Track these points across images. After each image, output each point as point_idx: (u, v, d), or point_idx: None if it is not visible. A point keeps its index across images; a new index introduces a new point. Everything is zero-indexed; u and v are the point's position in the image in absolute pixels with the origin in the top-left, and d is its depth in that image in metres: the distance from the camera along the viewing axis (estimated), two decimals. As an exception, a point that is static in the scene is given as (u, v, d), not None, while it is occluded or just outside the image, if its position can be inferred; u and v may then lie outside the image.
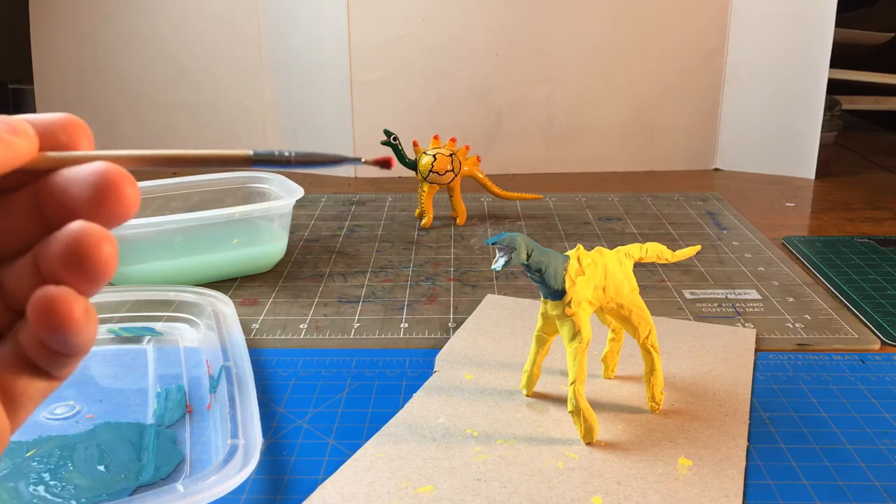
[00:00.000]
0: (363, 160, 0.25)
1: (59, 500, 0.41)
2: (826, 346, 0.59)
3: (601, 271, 0.46)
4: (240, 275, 0.72)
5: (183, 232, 0.68)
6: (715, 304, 0.66)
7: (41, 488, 0.42)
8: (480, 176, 0.89)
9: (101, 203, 0.22)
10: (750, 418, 0.48)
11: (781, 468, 0.44)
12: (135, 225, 0.67)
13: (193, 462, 0.44)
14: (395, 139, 0.86)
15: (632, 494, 0.41)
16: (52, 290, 0.21)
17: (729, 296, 0.68)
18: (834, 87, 1.09)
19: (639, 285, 0.49)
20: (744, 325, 0.62)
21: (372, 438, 0.46)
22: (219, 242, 0.70)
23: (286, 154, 0.24)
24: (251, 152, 0.24)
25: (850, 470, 0.44)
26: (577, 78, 1.09)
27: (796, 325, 0.62)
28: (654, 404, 0.49)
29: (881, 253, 0.78)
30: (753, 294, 0.68)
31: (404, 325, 0.63)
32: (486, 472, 0.43)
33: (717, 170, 1.13)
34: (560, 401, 0.50)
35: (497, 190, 0.90)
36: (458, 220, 0.88)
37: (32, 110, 1.16)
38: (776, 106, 1.07)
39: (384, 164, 0.26)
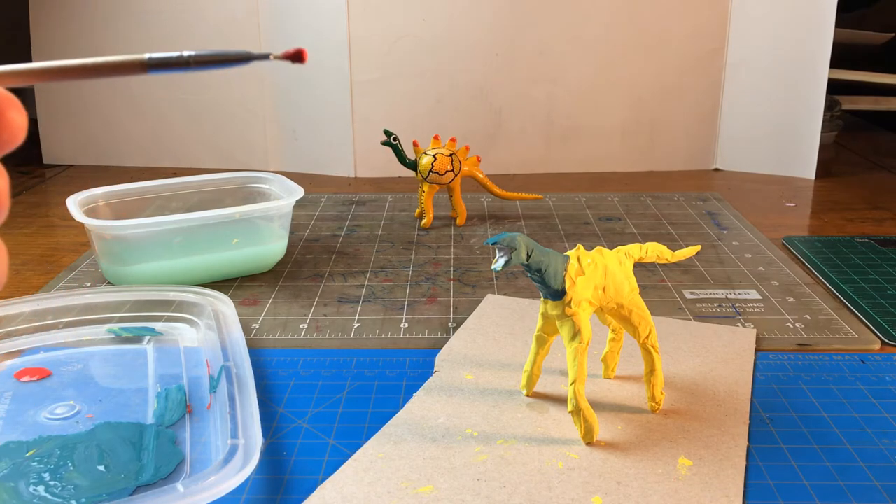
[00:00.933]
0: (272, 56, 0.24)
1: (60, 500, 0.41)
2: (826, 346, 0.59)
3: (601, 271, 0.46)
4: (240, 275, 0.72)
5: (183, 232, 0.68)
6: (715, 304, 0.66)
7: (41, 488, 0.42)
8: (480, 176, 0.89)
9: None
10: (750, 418, 0.48)
11: (781, 468, 0.44)
12: (135, 225, 0.67)
13: (193, 462, 0.44)
14: (395, 139, 0.86)
15: (632, 494, 0.41)
16: None
17: (729, 296, 0.68)
18: (834, 87, 1.09)
19: (639, 285, 0.49)
20: (744, 325, 0.62)
21: (372, 438, 0.46)
22: (219, 242, 0.70)
23: (184, 56, 0.23)
24: (146, 57, 0.23)
25: (851, 470, 0.44)
26: (577, 78, 1.09)
27: (796, 325, 0.62)
28: (654, 404, 0.49)
29: (881, 253, 0.78)
30: (753, 294, 0.68)
31: (404, 325, 0.63)
32: (486, 472, 0.43)
33: (717, 170, 1.13)
34: (560, 401, 0.50)
35: (497, 190, 0.90)
36: (458, 221, 0.88)
37: (33, 110, 1.16)
38: (776, 106, 1.07)
39: (295, 57, 0.25)
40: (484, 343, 0.58)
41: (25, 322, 0.60)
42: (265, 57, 0.24)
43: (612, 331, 0.52)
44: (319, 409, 0.50)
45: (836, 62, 1.02)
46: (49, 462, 0.44)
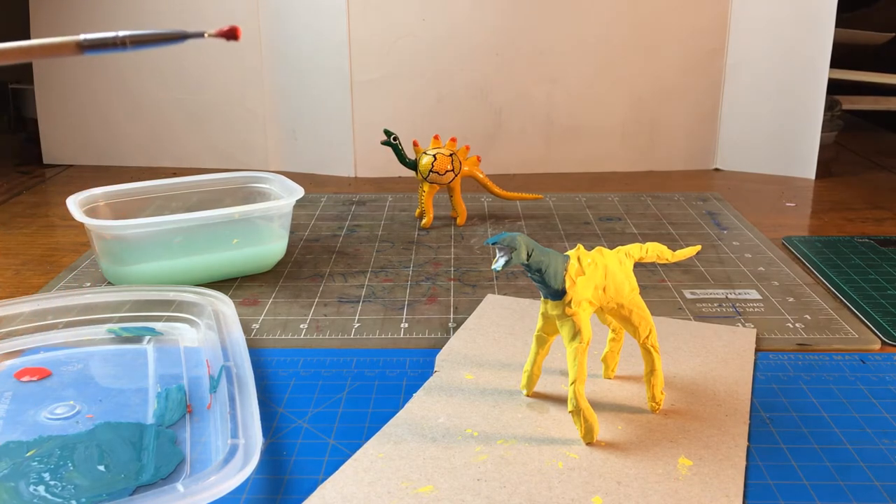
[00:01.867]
0: (207, 34, 0.25)
1: (60, 499, 0.41)
2: (826, 346, 0.59)
3: (601, 271, 0.46)
4: (240, 275, 0.72)
5: (183, 232, 0.68)
6: (715, 304, 0.66)
7: (41, 488, 0.42)
8: (480, 176, 0.89)
9: None
10: (750, 418, 0.48)
11: (781, 468, 0.44)
12: (135, 225, 0.67)
13: (193, 462, 0.44)
14: (395, 139, 0.86)
15: (632, 494, 0.41)
16: None
17: (729, 296, 0.68)
18: (834, 87, 1.09)
19: (639, 285, 0.49)
20: (744, 325, 0.62)
21: (372, 438, 0.46)
22: (219, 242, 0.70)
23: (120, 36, 0.23)
24: (81, 38, 0.23)
25: (851, 470, 0.44)
26: (577, 78, 1.09)
27: (796, 325, 0.62)
28: (654, 404, 0.49)
29: (881, 253, 0.78)
30: (754, 294, 0.68)
31: (404, 325, 0.63)
32: (487, 472, 0.43)
33: (717, 170, 1.13)
34: (560, 401, 0.50)
35: (497, 190, 0.90)
36: (458, 220, 0.88)
37: (33, 110, 1.16)
38: (776, 106, 1.07)
39: (229, 34, 0.25)
40: (484, 343, 0.58)
41: (25, 322, 0.60)
42: (200, 35, 0.24)
43: (613, 331, 0.52)
44: (319, 409, 0.50)
45: (836, 62, 1.02)
46: (49, 462, 0.44)
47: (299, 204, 0.81)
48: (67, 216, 0.70)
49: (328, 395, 0.52)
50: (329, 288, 0.70)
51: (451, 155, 0.85)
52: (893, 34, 1.31)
